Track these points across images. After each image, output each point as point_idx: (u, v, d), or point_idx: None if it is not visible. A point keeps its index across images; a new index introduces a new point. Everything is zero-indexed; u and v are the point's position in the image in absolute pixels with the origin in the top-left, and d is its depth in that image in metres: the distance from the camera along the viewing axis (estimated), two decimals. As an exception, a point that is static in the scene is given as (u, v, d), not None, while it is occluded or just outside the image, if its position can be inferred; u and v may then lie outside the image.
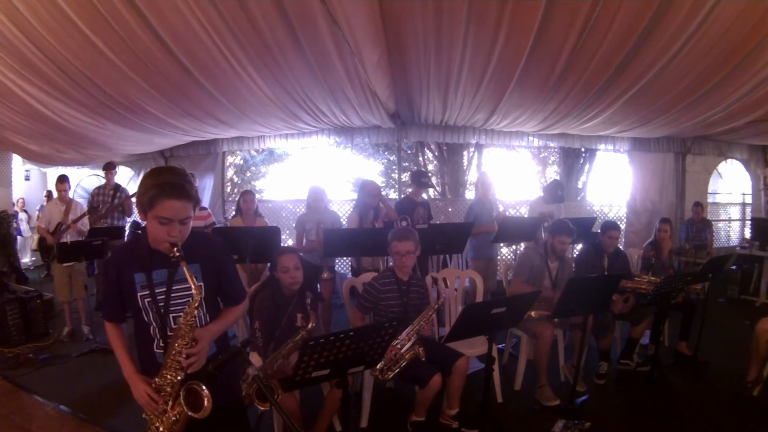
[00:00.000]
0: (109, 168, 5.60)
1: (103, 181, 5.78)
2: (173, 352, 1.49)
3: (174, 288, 1.55)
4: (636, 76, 3.94)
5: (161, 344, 1.57)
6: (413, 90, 4.71)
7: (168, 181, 1.46)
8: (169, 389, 1.50)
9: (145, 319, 1.57)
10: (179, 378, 1.49)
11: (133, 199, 5.78)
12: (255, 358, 2.63)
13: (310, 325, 2.58)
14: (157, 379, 1.53)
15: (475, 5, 3.01)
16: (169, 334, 1.55)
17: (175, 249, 1.45)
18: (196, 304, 1.49)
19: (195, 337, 1.51)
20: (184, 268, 1.45)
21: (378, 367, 2.48)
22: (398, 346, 2.58)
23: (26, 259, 8.56)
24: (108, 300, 1.64)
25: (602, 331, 3.52)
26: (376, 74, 4.06)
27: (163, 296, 1.55)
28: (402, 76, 4.27)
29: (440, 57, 3.74)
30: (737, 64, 3.65)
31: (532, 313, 3.14)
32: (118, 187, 5.63)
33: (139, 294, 1.54)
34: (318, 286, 3.97)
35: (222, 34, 3.23)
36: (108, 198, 5.52)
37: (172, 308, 1.56)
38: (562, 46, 3.44)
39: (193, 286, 1.47)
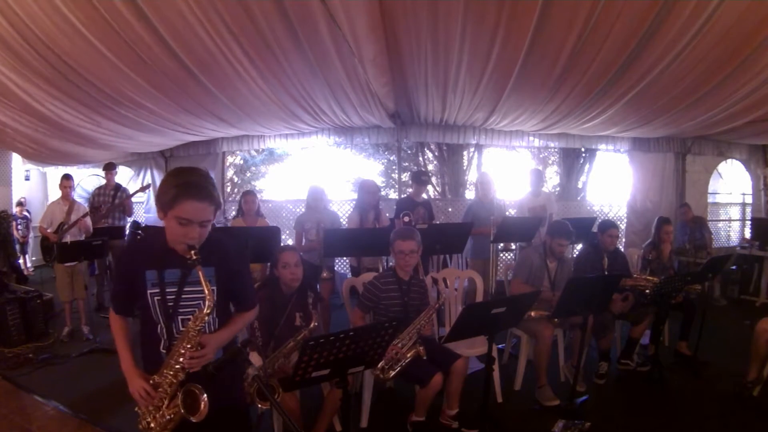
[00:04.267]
0: (110, 168, 5.64)
1: (104, 182, 5.80)
2: (176, 353, 1.47)
3: (185, 289, 1.53)
4: (637, 78, 3.93)
5: (167, 345, 1.55)
6: (412, 89, 4.71)
7: (190, 181, 1.43)
8: (167, 388, 1.49)
9: (154, 318, 1.55)
10: (180, 379, 1.47)
11: (134, 199, 5.85)
12: (255, 358, 2.63)
13: (312, 325, 2.59)
14: (156, 377, 1.51)
15: (471, 5, 3.00)
16: (176, 335, 1.53)
17: (193, 252, 1.42)
18: (208, 310, 1.45)
19: (202, 342, 1.48)
20: (200, 273, 1.42)
21: (379, 365, 2.48)
22: (399, 344, 2.58)
23: (31, 260, 8.48)
24: (117, 293, 1.64)
25: (602, 331, 3.52)
26: (376, 73, 4.05)
27: (173, 296, 1.53)
28: (400, 75, 4.27)
29: (437, 56, 3.73)
30: (739, 64, 3.64)
31: (532, 313, 3.14)
32: (118, 187, 5.69)
33: (149, 291, 1.53)
34: (317, 286, 3.97)
35: (222, 33, 3.23)
36: (109, 198, 5.56)
37: (181, 309, 1.54)
38: (562, 47, 3.43)
39: (207, 291, 1.42)
